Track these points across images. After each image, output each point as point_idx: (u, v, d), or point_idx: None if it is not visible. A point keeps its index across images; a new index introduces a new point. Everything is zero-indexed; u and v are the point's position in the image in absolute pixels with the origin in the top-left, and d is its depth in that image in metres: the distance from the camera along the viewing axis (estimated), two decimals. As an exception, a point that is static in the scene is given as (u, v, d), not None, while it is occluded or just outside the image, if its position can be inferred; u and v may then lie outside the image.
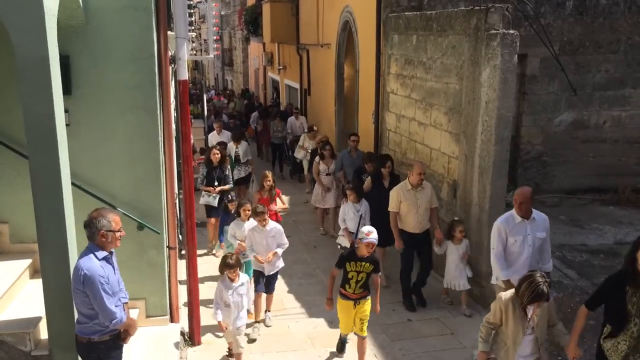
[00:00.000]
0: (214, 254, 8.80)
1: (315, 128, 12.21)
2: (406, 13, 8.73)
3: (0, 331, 4.52)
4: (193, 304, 6.01)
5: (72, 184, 4.43)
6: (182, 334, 6.02)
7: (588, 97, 8.97)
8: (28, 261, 5.38)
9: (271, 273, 6.51)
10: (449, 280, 6.85)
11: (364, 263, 5.39)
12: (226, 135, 12.01)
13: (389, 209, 6.86)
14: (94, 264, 3.84)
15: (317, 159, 9.95)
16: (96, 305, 3.83)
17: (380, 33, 9.39)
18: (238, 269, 5.68)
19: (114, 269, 4.09)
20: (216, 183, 8.57)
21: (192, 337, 6.06)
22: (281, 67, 18.58)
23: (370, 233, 5.28)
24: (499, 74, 6.22)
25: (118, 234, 3.97)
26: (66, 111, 4.50)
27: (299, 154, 12.47)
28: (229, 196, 7.87)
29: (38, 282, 4.55)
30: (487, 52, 6.38)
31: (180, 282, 6.33)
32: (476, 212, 6.75)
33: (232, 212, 7.40)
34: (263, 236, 6.40)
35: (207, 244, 9.02)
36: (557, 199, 8.92)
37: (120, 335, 4.09)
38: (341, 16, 11.70)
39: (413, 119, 8.53)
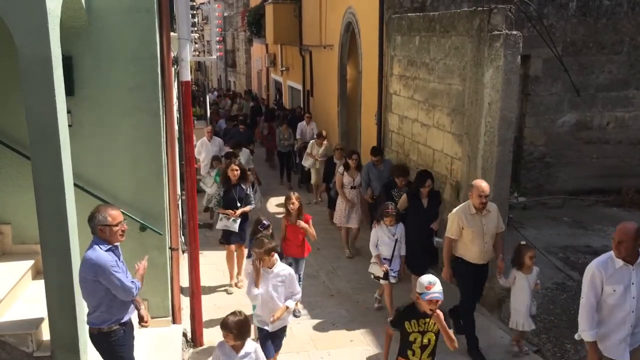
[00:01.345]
0: (235, 285, 7.74)
1: (324, 134, 11.60)
2: (409, 14, 8.72)
3: (3, 332, 4.52)
4: (195, 305, 6.00)
5: (75, 184, 4.43)
6: (184, 335, 6.02)
7: (591, 98, 8.94)
8: (30, 262, 5.39)
9: (277, 329, 5.14)
10: (516, 320, 5.60)
11: (428, 320, 4.21)
12: (217, 142, 11.33)
13: (447, 235, 5.77)
14: (100, 253, 3.94)
15: (340, 169, 8.86)
16: (115, 288, 3.96)
17: (383, 34, 9.38)
18: None
19: (120, 261, 4.15)
20: (236, 204, 7.41)
21: (194, 339, 6.06)
22: (284, 69, 18.58)
23: (432, 285, 4.03)
24: (502, 75, 6.20)
25: (116, 228, 4.00)
26: (69, 112, 4.51)
27: (306, 162, 11.64)
28: (264, 222, 6.00)
29: (40, 283, 4.55)
30: (490, 53, 6.37)
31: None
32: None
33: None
34: (267, 281, 4.99)
35: (227, 278, 7.91)
36: (560, 201, 8.89)
37: (128, 325, 4.22)
38: (344, 17, 11.70)
39: (416, 120, 8.52)
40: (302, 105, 16.37)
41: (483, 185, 5.50)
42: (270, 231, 5.91)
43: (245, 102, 21.46)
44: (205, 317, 6.27)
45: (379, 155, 8.63)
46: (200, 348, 6.02)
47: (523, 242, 5.89)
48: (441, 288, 4.05)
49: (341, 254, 8.94)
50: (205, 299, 6.41)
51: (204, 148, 11.12)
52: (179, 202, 7.41)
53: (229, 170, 7.46)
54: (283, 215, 6.76)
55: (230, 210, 7.35)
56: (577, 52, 8.71)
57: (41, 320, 4.66)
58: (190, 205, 5.90)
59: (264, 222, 5.98)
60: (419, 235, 6.54)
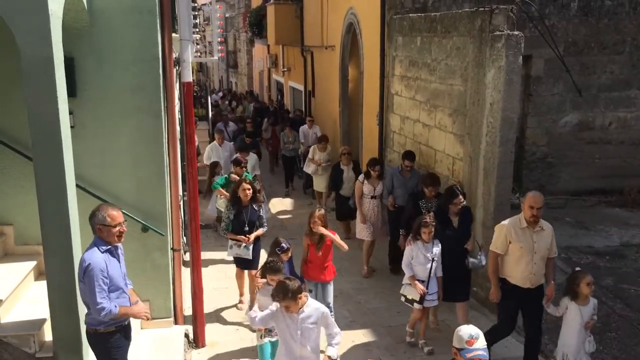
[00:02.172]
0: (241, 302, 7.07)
1: (327, 138, 11.06)
2: (410, 15, 8.72)
3: (5, 333, 4.52)
4: (197, 306, 6.01)
5: (77, 185, 4.44)
6: (186, 335, 6.02)
7: (593, 99, 8.94)
8: (33, 263, 5.39)
9: None
10: (563, 351, 5.04)
11: None
12: (229, 147, 10.67)
13: (492, 248, 5.18)
14: (96, 256, 3.92)
15: (361, 177, 8.15)
16: (87, 296, 3.92)
17: (384, 35, 9.38)
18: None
19: (119, 262, 4.14)
20: (247, 228, 6.52)
21: (196, 339, 6.05)
22: (285, 69, 18.59)
23: (474, 340, 3.19)
24: (503, 75, 6.20)
25: (114, 230, 3.98)
26: (71, 113, 4.52)
27: (308, 167, 11.04)
28: (282, 245, 5.42)
29: (42, 284, 4.56)
30: (492, 54, 6.37)
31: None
32: (481, 213, 6.73)
33: (284, 263, 5.33)
34: (295, 324, 4.23)
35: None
36: (562, 201, 8.88)
37: (126, 328, 4.20)
38: (345, 18, 11.70)
39: (417, 121, 8.52)
40: (303, 107, 16.32)
41: (536, 196, 4.96)
42: (290, 255, 5.49)
43: (247, 103, 21.03)
44: (207, 318, 6.27)
45: (411, 161, 7.79)
46: (203, 349, 6.02)
47: (578, 268, 5.30)
48: (485, 343, 3.25)
49: (343, 255, 8.91)
50: (207, 300, 6.41)
51: (215, 153, 10.51)
52: (181, 203, 7.40)
53: (239, 190, 6.52)
54: (304, 233, 6.05)
55: (242, 237, 6.47)
56: (579, 52, 8.71)
57: (43, 321, 4.67)
58: (192, 206, 5.90)
59: (283, 244, 5.42)
60: (450, 259, 5.87)
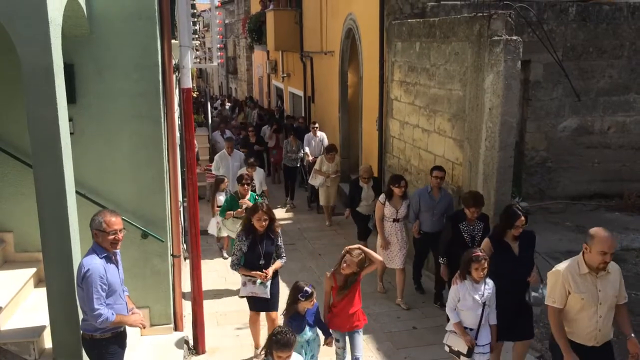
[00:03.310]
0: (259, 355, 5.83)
1: (335, 148, 10.40)
2: (409, 20, 8.75)
3: (5, 340, 4.52)
4: (197, 312, 6.00)
5: (77, 192, 4.44)
6: (187, 342, 6.01)
7: (592, 103, 8.95)
8: (32, 270, 5.39)
9: None
10: None
11: None
12: (239, 157, 9.90)
13: (547, 303, 4.28)
14: (95, 262, 3.93)
15: (382, 198, 7.24)
16: (84, 302, 3.93)
17: (383, 40, 9.41)
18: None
19: (117, 268, 4.15)
20: (262, 261, 5.51)
21: (196, 346, 6.04)
22: (285, 75, 18.62)
23: None
24: (502, 80, 6.21)
25: (110, 237, 3.98)
26: (70, 120, 4.53)
27: (315, 180, 10.32)
28: (306, 290, 4.64)
29: (42, 291, 4.56)
30: (491, 59, 6.38)
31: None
32: (481, 218, 6.72)
33: (307, 310, 4.74)
34: None
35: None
36: (562, 205, 8.88)
37: (121, 335, 4.19)
38: (344, 24, 11.74)
39: (417, 126, 8.53)
40: (303, 112, 16.32)
41: (609, 240, 3.95)
42: (314, 300, 4.73)
43: (250, 110, 20.55)
44: (207, 324, 6.26)
45: (441, 171, 6.92)
46: (203, 355, 6.01)
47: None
48: None
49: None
50: (207, 306, 6.40)
51: (223, 163, 9.86)
52: (181, 209, 7.40)
53: (254, 218, 5.48)
54: (329, 273, 5.06)
55: (258, 273, 5.48)
56: (578, 57, 8.73)
57: (43, 328, 4.66)
58: (192, 212, 5.90)
59: (306, 288, 4.65)
60: (511, 293, 4.94)
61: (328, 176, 10.17)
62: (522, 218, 4.98)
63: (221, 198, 8.46)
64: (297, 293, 4.65)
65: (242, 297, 5.75)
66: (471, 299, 4.68)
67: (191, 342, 6.08)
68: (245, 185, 7.69)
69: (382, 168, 9.94)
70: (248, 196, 7.70)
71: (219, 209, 8.14)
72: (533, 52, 8.20)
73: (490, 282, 4.78)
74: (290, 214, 11.75)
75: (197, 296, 5.98)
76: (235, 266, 5.61)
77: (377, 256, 5.15)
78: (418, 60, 8.34)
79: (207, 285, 7.09)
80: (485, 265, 4.63)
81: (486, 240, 5.22)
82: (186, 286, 6.42)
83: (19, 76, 3.87)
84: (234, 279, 7.09)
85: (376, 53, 9.65)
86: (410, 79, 8.67)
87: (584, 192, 9.10)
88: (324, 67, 13.99)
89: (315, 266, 8.63)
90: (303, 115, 16.08)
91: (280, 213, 11.56)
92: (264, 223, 5.47)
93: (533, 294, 4.98)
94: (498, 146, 6.34)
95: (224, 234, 8.47)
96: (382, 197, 7.28)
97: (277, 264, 5.67)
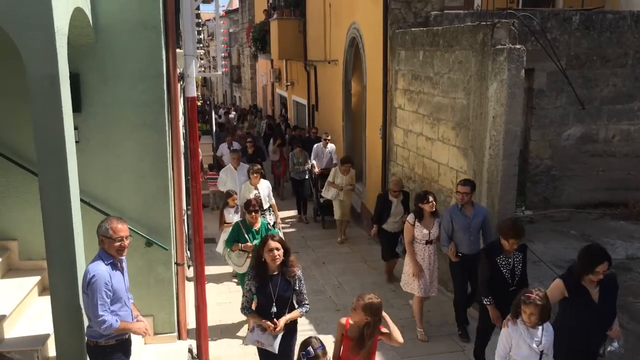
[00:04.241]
0: None
1: (350, 160, 9.98)
2: (413, 29, 8.77)
3: (9, 348, 4.52)
4: (201, 320, 5.99)
5: (81, 200, 4.45)
6: (190, 351, 6.00)
7: (596, 111, 8.94)
8: (37, 278, 5.40)
9: None
10: None
11: None
12: (246, 171, 8.88)
13: None
14: (101, 268, 3.95)
15: (411, 218, 6.51)
16: (89, 309, 3.94)
17: (387, 49, 9.44)
18: None
19: (123, 275, 4.16)
20: (274, 309, 4.51)
21: (199, 354, 6.03)
22: (289, 84, 18.69)
23: None
24: (506, 89, 6.22)
25: (116, 244, 4.00)
26: (76, 128, 4.54)
27: (328, 192, 9.92)
28: (309, 350, 3.88)
29: (46, 299, 4.56)
30: (494, 67, 6.39)
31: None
32: (485, 227, 6.70)
33: None
34: None
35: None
36: (567, 214, 8.85)
37: (126, 342, 4.20)
38: (348, 32, 11.78)
39: (421, 134, 8.53)
40: (307, 120, 16.33)
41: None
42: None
43: (258, 120, 19.84)
44: (211, 333, 6.25)
45: (469, 187, 6.17)
46: (206, 364, 6.00)
47: None
48: None
49: (347, 269, 8.91)
50: (210, 315, 6.39)
51: (230, 178, 9.07)
52: (185, 217, 7.40)
53: (264, 250, 4.52)
54: (345, 319, 4.24)
55: (267, 322, 4.52)
56: (581, 65, 8.72)
57: (47, 336, 4.66)
58: (196, 221, 5.91)
59: (310, 349, 3.88)
60: (584, 347, 4.33)
61: (342, 189, 9.83)
62: (605, 263, 4.16)
63: (230, 217, 7.90)
64: (301, 350, 3.95)
65: (246, 344, 4.88)
66: (526, 346, 4.01)
67: (195, 351, 6.07)
68: (254, 213, 6.46)
69: (385, 176, 9.94)
70: (258, 225, 6.60)
71: (227, 225, 7.71)
72: (537, 60, 8.20)
73: (549, 328, 4.10)
74: (293, 220, 11.76)
75: (201, 304, 5.98)
76: (245, 310, 4.68)
77: (398, 335, 4.15)
78: (422, 69, 8.36)
79: (210, 293, 7.09)
80: (539, 310, 3.92)
81: (558, 282, 4.41)
82: (189, 294, 6.41)
83: (25, 85, 3.89)
84: (238, 288, 7.07)
85: (380, 61, 9.67)
86: (414, 88, 8.69)
87: (589, 201, 9.07)
88: (327, 75, 14.03)
89: (319, 274, 8.61)
90: (307, 124, 16.11)
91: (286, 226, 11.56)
92: (277, 256, 4.47)
93: (609, 348, 4.45)
94: (502, 154, 6.34)
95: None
96: (410, 217, 6.53)
97: (295, 313, 4.61)
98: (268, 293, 4.51)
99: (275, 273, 4.55)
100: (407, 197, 8.11)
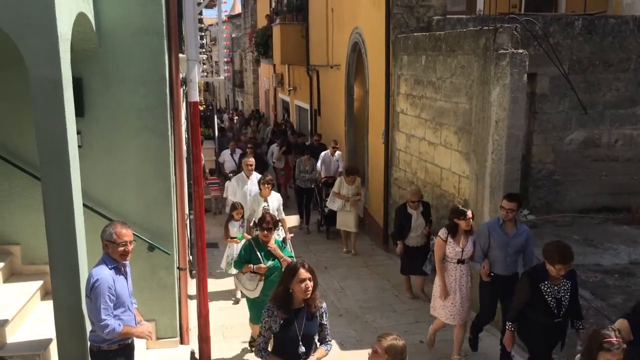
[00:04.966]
0: None
1: (356, 170, 9.81)
2: (415, 34, 8.79)
3: (11, 353, 4.51)
4: (203, 325, 5.98)
5: (84, 205, 4.45)
6: (192, 355, 5.99)
7: (599, 116, 8.93)
8: (39, 282, 5.39)
9: None
10: None
11: None
12: (255, 181, 8.23)
13: None
14: (104, 273, 3.95)
15: (443, 233, 5.91)
16: (92, 313, 3.94)
17: (389, 54, 9.45)
18: None
19: (126, 279, 4.17)
20: (303, 349, 3.93)
21: (202, 359, 6.02)
22: (291, 88, 18.72)
23: None
24: (508, 93, 6.22)
25: (120, 248, 4.01)
26: (78, 133, 4.55)
27: (333, 204, 9.69)
28: None
29: (49, 304, 4.55)
30: (497, 72, 6.40)
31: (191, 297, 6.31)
32: (488, 231, 6.68)
33: None
34: None
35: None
36: (569, 219, 8.83)
37: (128, 347, 4.18)
38: (351, 37, 11.80)
39: (423, 139, 8.53)
40: (309, 125, 16.32)
41: None
42: None
43: (263, 126, 19.51)
44: (213, 337, 6.24)
45: (515, 204, 5.61)
46: (208, 369, 5.98)
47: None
48: None
49: (349, 273, 8.90)
50: (213, 319, 6.38)
51: (241, 187, 8.46)
52: (187, 222, 7.41)
53: (294, 283, 3.90)
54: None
55: None
56: (584, 70, 8.72)
57: (49, 341, 4.65)
58: (198, 225, 5.91)
59: None
60: None
61: (347, 200, 9.55)
62: None
63: (235, 230, 7.56)
64: None
65: None
66: None
67: (197, 355, 6.06)
68: (266, 232, 5.73)
69: (388, 181, 9.94)
70: (271, 243, 5.88)
71: (231, 240, 7.47)
72: (539, 65, 8.21)
73: None
74: (294, 223, 11.74)
75: (203, 309, 5.97)
76: (261, 352, 3.96)
77: None
78: (424, 74, 8.37)
79: (213, 297, 7.08)
80: (620, 357, 3.35)
81: (623, 322, 3.90)
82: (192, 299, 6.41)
83: (27, 89, 3.90)
84: (240, 292, 7.06)
85: (382, 66, 9.69)
86: (416, 92, 8.69)
87: (592, 205, 9.05)
88: (330, 80, 14.05)
89: (321, 279, 8.58)
90: (310, 129, 16.11)
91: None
92: (309, 287, 3.88)
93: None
94: (505, 159, 6.33)
95: (234, 271, 6.86)
96: (442, 232, 5.93)
97: (321, 352, 4.04)
98: (293, 332, 3.87)
99: (301, 306, 3.93)
100: (427, 208, 7.68)
